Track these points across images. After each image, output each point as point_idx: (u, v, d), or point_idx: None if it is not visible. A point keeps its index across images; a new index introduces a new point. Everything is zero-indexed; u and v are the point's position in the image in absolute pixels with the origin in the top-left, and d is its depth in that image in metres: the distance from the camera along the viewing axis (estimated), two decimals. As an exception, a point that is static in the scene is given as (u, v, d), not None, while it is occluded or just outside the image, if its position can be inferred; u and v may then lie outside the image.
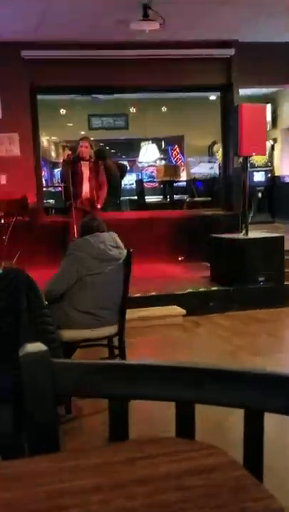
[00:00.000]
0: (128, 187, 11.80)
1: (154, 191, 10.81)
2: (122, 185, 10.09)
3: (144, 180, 11.65)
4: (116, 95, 8.39)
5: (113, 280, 3.18)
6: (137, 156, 12.43)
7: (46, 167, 12.41)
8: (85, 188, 6.32)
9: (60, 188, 8.14)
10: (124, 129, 11.35)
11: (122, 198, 9.15)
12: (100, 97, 9.09)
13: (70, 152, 6.39)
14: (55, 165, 11.71)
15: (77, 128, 10.69)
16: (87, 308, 3.11)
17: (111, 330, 3.20)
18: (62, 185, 7.02)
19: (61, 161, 6.90)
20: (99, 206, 6.45)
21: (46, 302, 2.93)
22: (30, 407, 0.69)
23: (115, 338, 3.30)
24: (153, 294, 5.41)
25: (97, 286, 3.14)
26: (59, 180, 8.21)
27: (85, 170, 6.36)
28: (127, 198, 9.85)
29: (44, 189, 8.69)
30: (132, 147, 12.57)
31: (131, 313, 3.83)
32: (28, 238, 6.85)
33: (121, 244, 3.30)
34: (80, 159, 6.36)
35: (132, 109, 10.49)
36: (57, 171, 10.11)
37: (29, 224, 6.79)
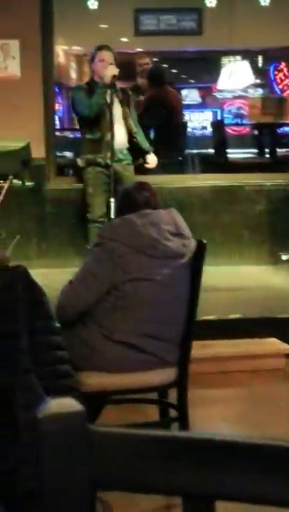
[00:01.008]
0: (197, 133, 11.78)
1: (242, 141, 10.74)
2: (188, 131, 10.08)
3: (227, 121, 11.58)
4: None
5: (172, 291, 3.22)
6: (215, 82, 12.38)
7: (62, 96, 12.56)
8: (119, 134, 6.34)
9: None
10: (196, 35, 11.31)
11: (186, 152, 9.14)
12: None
13: (116, 71, 6.34)
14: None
15: (115, 32, 10.73)
16: (128, 336, 3.16)
17: (166, 376, 3.24)
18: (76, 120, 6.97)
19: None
20: (149, 161, 6.50)
21: (58, 325, 2.98)
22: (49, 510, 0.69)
23: (171, 389, 3.35)
24: (236, 316, 5.45)
25: (145, 301, 3.17)
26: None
27: (114, 101, 6.39)
28: (196, 151, 9.82)
29: (57, 134, 8.78)
30: (206, 66, 12.52)
31: (198, 349, 3.85)
32: (30, 215, 6.95)
33: (187, 230, 3.36)
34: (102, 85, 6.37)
35: (210, 1, 10.43)
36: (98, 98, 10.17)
37: (33, 192, 6.91)
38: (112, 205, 5.90)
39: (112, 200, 5.97)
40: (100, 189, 6.27)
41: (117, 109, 6.38)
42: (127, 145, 6.44)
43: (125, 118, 6.42)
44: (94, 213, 6.33)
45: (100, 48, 6.53)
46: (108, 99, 6.27)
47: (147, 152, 6.61)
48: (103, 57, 6.42)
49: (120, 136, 6.36)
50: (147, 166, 6.66)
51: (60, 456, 0.70)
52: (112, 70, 6.26)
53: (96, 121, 6.29)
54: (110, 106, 6.27)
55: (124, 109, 6.43)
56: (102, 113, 6.25)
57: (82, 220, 6.53)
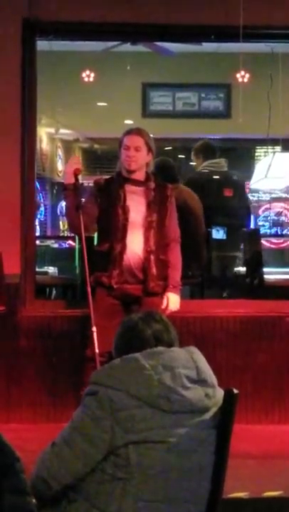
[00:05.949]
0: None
1: (283, 257, 10.80)
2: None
3: (263, 231, 11.68)
4: (207, 45, 8.57)
5: (190, 458, 3.21)
6: (248, 180, 12.57)
7: (44, 194, 12.71)
8: (135, 244, 6.33)
9: (73, 243, 8.28)
10: (223, 118, 11.55)
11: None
12: (172, 47, 9.39)
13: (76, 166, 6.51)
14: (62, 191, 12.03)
15: (118, 112, 10.96)
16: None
17: None
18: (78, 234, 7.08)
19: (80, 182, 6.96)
20: (171, 295, 6.39)
21: (34, 500, 2.93)
22: None
23: None
24: (275, 494, 5.30)
25: (154, 472, 3.16)
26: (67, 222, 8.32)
27: (138, 203, 6.45)
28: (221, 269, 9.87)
29: (38, 243, 8.82)
30: (236, 159, 12.75)
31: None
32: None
33: (211, 375, 3.36)
34: (123, 179, 6.50)
35: (241, 76, 10.72)
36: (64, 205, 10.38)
37: (3, 319, 6.90)
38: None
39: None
40: (107, 317, 6.16)
41: (139, 212, 6.41)
42: (143, 262, 6.33)
43: (146, 226, 6.37)
44: (97, 349, 6.16)
45: (128, 131, 6.54)
46: (128, 200, 6.32)
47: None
48: (128, 142, 6.45)
49: (135, 250, 6.31)
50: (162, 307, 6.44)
51: None
52: (72, 164, 6.49)
53: (106, 227, 6.30)
54: (124, 207, 6.29)
55: (151, 212, 6.45)
56: (116, 215, 6.28)
57: (71, 359, 6.46)
